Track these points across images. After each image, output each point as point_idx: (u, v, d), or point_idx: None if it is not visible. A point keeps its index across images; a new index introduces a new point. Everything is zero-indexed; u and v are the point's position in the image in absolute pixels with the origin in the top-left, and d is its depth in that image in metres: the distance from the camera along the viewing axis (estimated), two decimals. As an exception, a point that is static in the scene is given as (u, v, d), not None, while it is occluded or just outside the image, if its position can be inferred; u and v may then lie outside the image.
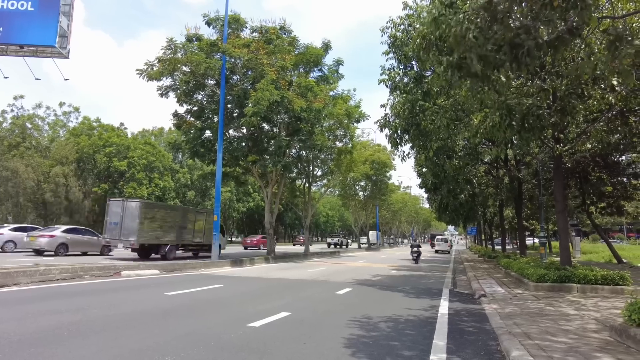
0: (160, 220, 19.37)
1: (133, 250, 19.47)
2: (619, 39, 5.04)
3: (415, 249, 24.88)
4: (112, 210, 18.69)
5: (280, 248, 38.16)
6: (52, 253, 18.80)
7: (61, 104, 55.75)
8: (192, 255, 22.44)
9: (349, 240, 52.66)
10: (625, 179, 22.32)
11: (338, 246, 49.81)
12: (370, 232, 57.26)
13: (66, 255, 19.05)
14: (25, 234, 20.31)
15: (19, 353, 4.41)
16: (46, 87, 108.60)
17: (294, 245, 53.56)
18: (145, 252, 19.51)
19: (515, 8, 5.49)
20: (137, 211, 18.18)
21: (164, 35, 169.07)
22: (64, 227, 21.00)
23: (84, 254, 20.39)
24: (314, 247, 45.45)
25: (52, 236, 19.31)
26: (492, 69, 5.87)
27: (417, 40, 6.77)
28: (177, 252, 20.87)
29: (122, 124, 44.39)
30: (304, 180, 29.99)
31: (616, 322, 5.70)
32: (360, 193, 47.89)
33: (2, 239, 20.39)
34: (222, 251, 22.45)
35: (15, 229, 21.47)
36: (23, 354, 4.37)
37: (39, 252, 19.13)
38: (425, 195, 38.87)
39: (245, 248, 37.59)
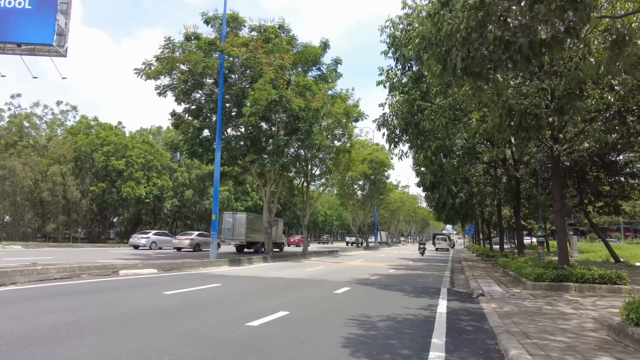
0: (257, 225, 26.14)
1: (238, 246, 26.04)
2: (621, 39, 5.03)
3: (422, 245, 34.21)
4: (225, 219, 25.72)
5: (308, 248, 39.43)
6: (191, 250, 26.18)
7: (58, 103, 55.68)
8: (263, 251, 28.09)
9: (363, 240, 56.33)
10: (622, 179, 22.38)
11: (355, 244, 56.44)
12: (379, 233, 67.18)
13: (199, 251, 26.13)
14: (162, 237, 29.88)
15: (17, 352, 4.39)
16: (44, 85, 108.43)
17: (318, 243, 65.34)
18: (242, 248, 26.17)
19: (514, 8, 5.48)
20: (244, 220, 25.43)
21: (162, 34, 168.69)
22: (197, 233, 29.57)
23: (199, 250, 26.56)
24: (328, 246, 51.28)
25: (191, 239, 27.15)
26: (482, 68, 5.85)
27: (417, 41, 6.77)
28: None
29: (120, 123, 44.10)
30: (303, 179, 29.98)
31: (614, 321, 5.71)
32: (359, 192, 47.84)
33: (149, 241, 28.73)
34: (286, 249, 33.13)
35: (156, 234, 30.47)
36: (21, 354, 4.35)
37: (178, 249, 26.53)
38: (424, 195, 39.13)
39: (288, 246, 42.67)
